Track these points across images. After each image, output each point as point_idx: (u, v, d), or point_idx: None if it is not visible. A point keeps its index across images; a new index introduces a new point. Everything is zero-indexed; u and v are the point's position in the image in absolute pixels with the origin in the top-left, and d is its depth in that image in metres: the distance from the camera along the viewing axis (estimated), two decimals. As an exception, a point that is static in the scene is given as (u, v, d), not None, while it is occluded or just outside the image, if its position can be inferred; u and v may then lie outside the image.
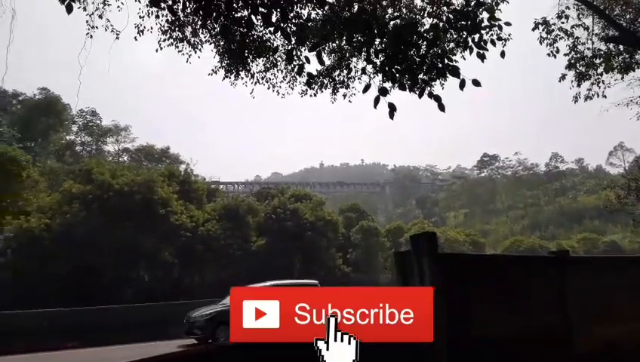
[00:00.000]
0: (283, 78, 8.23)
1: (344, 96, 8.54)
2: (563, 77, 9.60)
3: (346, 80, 8.38)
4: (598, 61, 8.82)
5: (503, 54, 4.11)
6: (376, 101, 3.58)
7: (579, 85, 9.47)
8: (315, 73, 8.21)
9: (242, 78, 8.14)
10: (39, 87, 50.75)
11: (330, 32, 8.15)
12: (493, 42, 3.50)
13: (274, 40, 7.53)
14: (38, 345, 15.38)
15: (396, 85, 9.31)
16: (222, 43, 7.74)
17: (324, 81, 8.39)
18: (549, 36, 8.35)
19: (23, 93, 51.58)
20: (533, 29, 8.50)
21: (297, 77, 8.17)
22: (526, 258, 7.93)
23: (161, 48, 7.56)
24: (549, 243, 48.73)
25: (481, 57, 3.54)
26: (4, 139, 33.45)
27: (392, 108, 3.64)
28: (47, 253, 24.24)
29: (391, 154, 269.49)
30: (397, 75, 3.67)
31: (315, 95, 8.48)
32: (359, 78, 8.46)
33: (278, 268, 29.72)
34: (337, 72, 8.31)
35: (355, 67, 8.51)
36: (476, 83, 3.41)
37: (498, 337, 4.13)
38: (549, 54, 8.49)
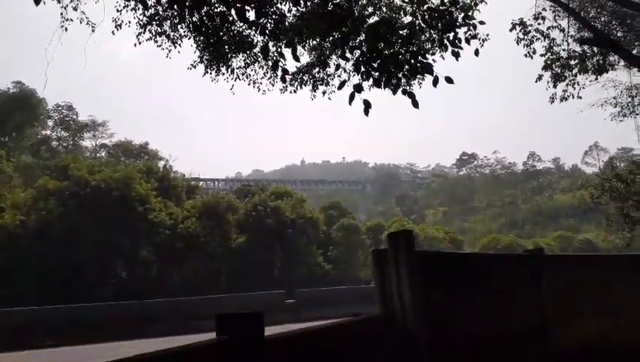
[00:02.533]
0: (264, 74, 8.20)
1: (323, 93, 8.54)
2: (539, 78, 9.74)
3: (325, 77, 8.37)
4: (573, 62, 8.97)
5: (477, 52, 4.15)
6: (351, 98, 3.60)
7: (555, 86, 9.64)
8: (294, 70, 8.18)
9: (223, 74, 8.07)
10: (13, 80, 49.63)
11: (306, 28, 8.15)
12: (467, 41, 3.54)
13: (254, 35, 7.48)
14: (12, 342, 15.05)
15: (371, 82, 9.39)
16: (201, 38, 7.66)
17: (304, 77, 8.37)
18: (525, 37, 8.46)
19: (-6, 87, 50.37)
20: (511, 30, 8.61)
21: (274, 73, 8.13)
22: (502, 256, 8.04)
23: (140, 43, 7.45)
24: (526, 241, 49.49)
25: (456, 55, 3.56)
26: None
27: (367, 105, 3.65)
28: (23, 250, 23.78)
29: (372, 152, 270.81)
30: (372, 72, 3.67)
31: (294, 91, 8.48)
32: (338, 76, 8.47)
33: (258, 265, 29.67)
34: (317, 69, 8.29)
35: (334, 64, 8.53)
36: (449, 80, 3.43)
37: (476, 335, 4.17)
38: (525, 55, 8.61)
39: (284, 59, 8.27)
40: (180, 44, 7.75)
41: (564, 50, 8.95)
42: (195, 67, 7.76)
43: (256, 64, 8.02)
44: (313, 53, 8.93)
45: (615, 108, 14.67)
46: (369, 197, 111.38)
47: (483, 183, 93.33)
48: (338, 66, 7.77)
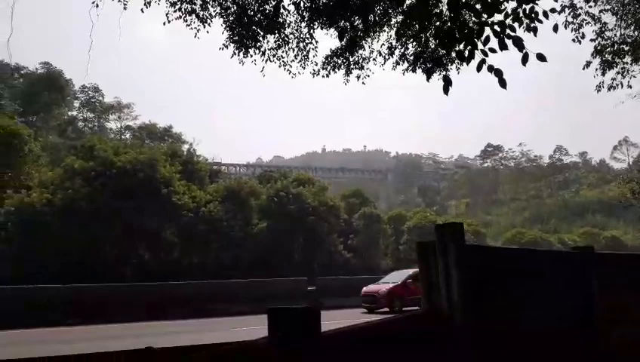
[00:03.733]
0: (294, 56, 7.92)
1: (358, 77, 8.25)
2: (588, 64, 9.24)
3: (360, 60, 8.08)
4: (626, 48, 8.47)
5: (555, 28, 3.73)
6: (430, 72, 3.28)
7: (603, 74, 9.15)
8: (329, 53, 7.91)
9: (251, 56, 7.84)
10: (41, 61, 50.32)
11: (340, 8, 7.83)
12: (546, 14, 3.19)
13: (286, 15, 7.21)
14: (37, 320, 15.26)
15: (405, 65, 9.02)
16: (231, 17, 7.42)
17: (337, 61, 8.09)
18: (575, 20, 7.98)
19: (25, 67, 51.07)
20: (560, 12, 8.07)
21: (308, 56, 7.85)
22: (551, 252, 7.71)
23: (169, 21, 7.23)
24: (551, 236, 48.61)
25: (534, 30, 3.22)
26: (6, 113, 33.12)
27: (447, 82, 3.33)
28: (48, 228, 24.11)
29: (394, 142, 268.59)
30: (453, 43, 3.34)
31: (327, 75, 8.19)
32: (374, 59, 8.17)
33: (279, 251, 29.66)
34: (351, 52, 8.01)
35: (369, 47, 8.22)
36: (541, 57, 3.11)
37: (523, 330, 3.94)
38: (574, 40, 8.11)
39: (316, 41, 8.04)
40: (209, 24, 7.53)
41: (615, 35, 8.49)
42: (227, 47, 7.52)
43: (287, 46, 7.76)
44: (345, 35, 8.64)
45: None
46: (390, 186, 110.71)
47: (507, 176, 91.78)
48: (390, 47, 7.47)
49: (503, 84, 3.22)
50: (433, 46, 8.44)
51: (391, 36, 7.98)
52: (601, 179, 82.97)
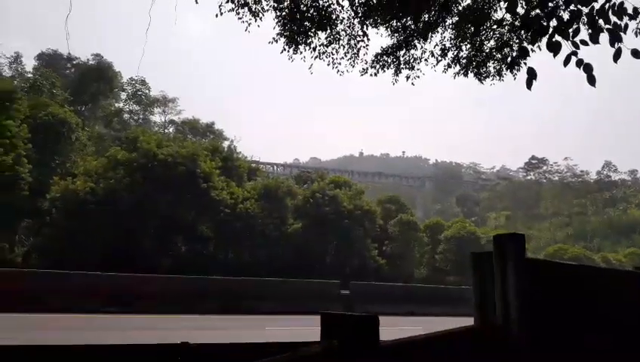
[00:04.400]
0: (344, 54, 7.75)
1: (407, 77, 8.00)
2: None
3: (410, 60, 7.83)
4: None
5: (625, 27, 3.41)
6: (514, 62, 3.02)
7: None
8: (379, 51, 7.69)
9: (301, 52, 7.71)
10: (93, 52, 51.94)
11: (392, 8, 7.61)
12: (636, 12, 2.88)
13: (339, 12, 7.04)
14: (75, 306, 15.54)
15: (457, 69, 8.67)
16: (283, 12, 7.31)
17: (387, 60, 7.86)
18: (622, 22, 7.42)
19: (77, 58, 52.84)
20: (632, 18, 7.52)
21: (356, 53, 7.66)
22: (613, 270, 7.26)
23: (222, 13, 7.17)
24: (595, 254, 46.71)
25: (618, 29, 2.91)
26: (57, 101, 34.28)
27: (532, 75, 3.06)
28: (91, 216, 24.75)
29: (433, 149, 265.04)
30: (543, 32, 3.05)
31: (375, 74, 7.99)
32: (425, 60, 7.91)
33: (312, 252, 29.56)
34: (402, 51, 7.76)
35: (422, 48, 7.96)
36: (636, 54, 2.81)
37: (581, 350, 3.63)
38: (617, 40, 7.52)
39: (368, 39, 7.84)
40: (261, 18, 7.45)
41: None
42: (276, 41, 7.41)
43: (337, 43, 7.59)
44: (396, 35, 8.40)
45: None
46: (428, 194, 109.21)
47: (551, 190, 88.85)
48: (444, 48, 7.22)
49: (592, 80, 2.92)
50: (487, 50, 8.14)
51: (444, 37, 7.71)
52: (652, 198, 79.33)
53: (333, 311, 1.71)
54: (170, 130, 52.18)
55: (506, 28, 7.33)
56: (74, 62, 52.50)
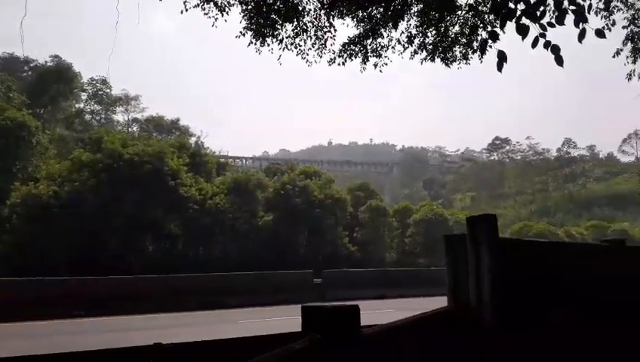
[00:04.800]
0: (312, 45, 7.79)
1: (375, 65, 8.10)
2: (618, 52, 9.03)
3: (377, 48, 7.93)
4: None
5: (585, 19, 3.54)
6: (483, 46, 3.08)
7: (634, 62, 8.95)
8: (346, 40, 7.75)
9: (268, 45, 7.70)
10: (51, 54, 50.20)
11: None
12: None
13: (305, 3, 7.05)
14: (43, 313, 15.16)
15: (424, 55, 8.81)
16: (251, 6, 7.28)
17: (354, 49, 7.94)
18: (606, 7, 7.72)
19: (34, 60, 51.10)
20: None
21: (326, 45, 7.70)
22: (581, 245, 7.55)
23: (187, 10, 7.11)
24: (558, 229, 48.33)
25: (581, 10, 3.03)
26: (15, 105, 33.10)
27: (502, 58, 3.13)
28: (55, 221, 24.11)
29: (400, 135, 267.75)
30: (511, 16, 3.11)
31: (343, 64, 8.05)
32: (392, 47, 8.01)
33: (284, 244, 29.59)
34: (369, 40, 7.84)
35: (387, 36, 8.05)
36: (600, 33, 2.92)
37: (552, 327, 3.79)
38: (603, 27, 7.83)
39: (335, 29, 7.88)
40: (227, 12, 7.40)
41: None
42: (243, 35, 7.38)
43: (305, 34, 7.62)
44: (362, 24, 8.47)
45: None
46: (395, 179, 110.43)
47: (514, 169, 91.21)
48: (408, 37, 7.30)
49: (559, 61, 3.02)
50: (453, 35, 8.28)
51: (410, 25, 7.82)
52: (609, 172, 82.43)
53: (314, 304, 1.76)
54: (134, 128, 51.12)
55: (470, 13, 7.47)
56: (31, 64, 50.72)
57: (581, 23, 2.99)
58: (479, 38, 7.69)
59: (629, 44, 8.68)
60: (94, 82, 52.15)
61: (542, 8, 2.99)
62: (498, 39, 3.06)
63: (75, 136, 40.15)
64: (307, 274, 21.32)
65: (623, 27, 8.40)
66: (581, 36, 2.99)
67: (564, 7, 2.95)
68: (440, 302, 3.64)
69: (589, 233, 47.76)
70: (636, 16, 8.20)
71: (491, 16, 7.34)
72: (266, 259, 26.43)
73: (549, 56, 3.17)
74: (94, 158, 26.48)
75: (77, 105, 51.09)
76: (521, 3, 3.02)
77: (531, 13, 2.95)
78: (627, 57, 9.06)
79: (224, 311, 16.33)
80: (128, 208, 25.46)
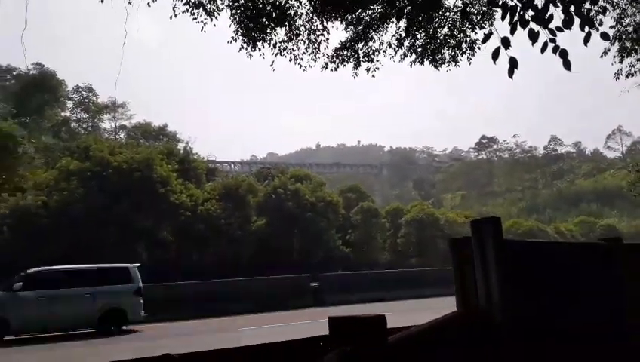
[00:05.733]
0: (305, 49, 7.75)
1: (367, 70, 8.10)
2: (606, 52, 9.18)
3: (369, 52, 7.93)
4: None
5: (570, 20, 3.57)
6: (496, 54, 3.08)
7: (621, 61, 9.10)
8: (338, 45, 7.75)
9: (259, 50, 7.67)
10: (34, 61, 49.53)
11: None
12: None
13: (297, 7, 7.04)
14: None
15: (413, 57, 8.86)
16: (239, 10, 7.25)
17: (347, 53, 7.93)
18: (592, 7, 7.81)
19: (16, 68, 50.40)
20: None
21: (319, 49, 7.69)
22: (580, 244, 7.59)
23: (176, 15, 7.04)
24: (547, 226, 48.73)
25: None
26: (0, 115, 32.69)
27: (513, 65, 3.13)
28: (45, 231, 23.81)
29: (388, 136, 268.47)
30: (523, 24, 3.12)
31: (336, 69, 8.04)
32: (384, 51, 8.02)
33: (278, 248, 29.50)
34: (361, 45, 7.85)
35: (378, 39, 8.06)
36: (605, 37, 2.95)
37: (557, 329, 3.81)
38: (589, 25, 7.90)
39: (328, 33, 7.87)
40: (216, 17, 7.36)
41: (635, 22, 8.38)
42: (235, 40, 7.33)
43: (297, 38, 7.58)
44: (351, 27, 8.47)
45: None
46: (385, 180, 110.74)
47: (502, 167, 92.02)
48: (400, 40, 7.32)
49: (567, 65, 3.04)
50: (441, 37, 8.32)
51: (400, 27, 7.83)
52: (595, 168, 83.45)
53: (341, 315, 1.75)
54: (122, 135, 50.67)
55: (458, 14, 7.51)
56: (14, 72, 50.04)
57: (586, 27, 3.01)
58: (468, 39, 7.74)
59: (617, 43, 8.83)
60: (80, 90, 51.68)
61: (549, 13, 3.01)
62: (510, 46, 3.07)
63: (62, 144, 39.68)
64: (304, 278, 21.31)
65: (611, 27, 8.54)
66: (586, 40, 3.01)
67: (570, 11, 2.98)
68: (437, 303, 3.66)
69: (577, 229, 48.25)
70: (622, 15, 8.33)
71: (478, 17, 7.40)
72: (260, 263, 26.34)
73: (533, 55, 3.20)
74: (82, 167, 26.20)
75: (63, 114, 50.55)
76: (530, 10, 3.04)
77: (540, 18, 2.97)
78: (614, 57, 9.21)
79: (224, 319, 16.23)
80: (119, 216, 25.22)
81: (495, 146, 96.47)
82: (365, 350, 1.61)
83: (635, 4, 7.88)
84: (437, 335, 2.65)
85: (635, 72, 9.14)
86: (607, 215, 60.20)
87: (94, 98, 52.28)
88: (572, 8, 2.97)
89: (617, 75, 9.38)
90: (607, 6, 7.73)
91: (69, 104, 51.74)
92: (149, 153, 28.52)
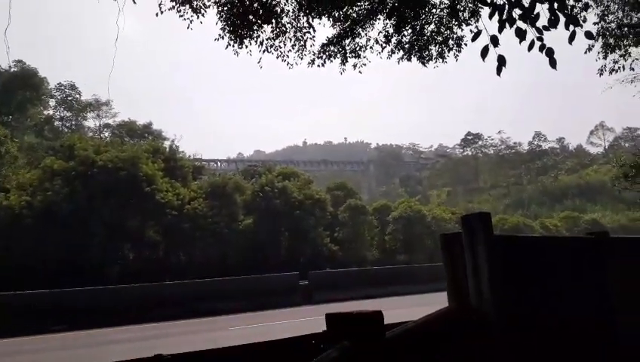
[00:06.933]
0: (292, 46, 7.72)
1: (354, 66, 8.10)
2: (590, 48, 9.29)
3: (356, 49, 7.93)
4: (626, 31, 8.48)
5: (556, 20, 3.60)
6: (485, 52, 3.09)
7: (605, 57, 9.20)
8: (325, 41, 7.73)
9: (247, 47, 7.62)
10: (14, 59, 48.68)
11: None
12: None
13: (284, 4, 7.01)
14: (21, 328, 14.74)
15: (401, 54, 8.87)
16: (225, 7, 7.20)
17: (334, 49, 7.92)
18: (576, 4, 7.89)
19: (-5, 66, 49.43)
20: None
21: (306, 46, 7.67)
22: (569, 239, 7.69)
23: (162, 12, 6.96)
24: (533, 221, 49.22)
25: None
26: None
27: (501, 63, 3.16)
28: (29, 231, 23.46)
29: (374, 133, 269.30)
30: (511, 23, 3.14)
31: (322, 65, 8.03)
32: (371, 47, 8.03)
33: (265, 246, 29.42)
34: (347, 41, 7.84)
35: (365, 35, 8.07)
36: (589, 35, 2.98)
37: (546, 323, 3.86)
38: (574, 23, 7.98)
39: (314, 30, 7.85)
40: (202, 14, 7.30)
41: (618, 18, 8.49)
42: (222, 37, 7.28)
43: (284, 35, 7.55)
44: (338, 24, 8.46)
45: None
46: (372, 177, 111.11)
47: (487, 163, 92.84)
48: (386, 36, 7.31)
49: (553, 64, 3.07)
50: (428, 34, 8.35)
51: (387, 24, 7.85)
52: (578, 163, 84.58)
53: (338, 312, 1.74)
54: (106, 134, 50.11)
55: (445, 11, 7.54)
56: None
57: (571, 25, 3.04)
58: (455, 35, 7.78)
59: (600, 39, 8.94)
60: (63, 87, 50.96)
61: (536, 12, 3.04)
62: (499, 44, 3.09)
63: (46, 143, 39.13)
64: (293, 276, 21.28)
65: (594, 23, 8.66)
66: (571, 38, 3.05)
67: (556, 10, 3.01)
68: (427, 299, 3.68)
69: (562, 224, 48.78)
70: (606, 12, 8.44)
71: (465, 15, 7.43)
72: (248, 262, 26.26)
73: (518, 52, 3.23)
74: (67, 166, 25.85)
75: (46, 112, 49.80)
76: (518, 8, 3.06)
77: (527, 16, 3.00)
78: (598, 53, 9.33)
79: (213, 319, 16.15)
80: (105, 216, 24.96)
81: (480, 142, 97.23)
82: (364, 345, 1.61)
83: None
84: (432, 329, 2.66)
85: (619, 68, 9.26)
86: (590, 210, 61.02)
87: (77, 96, 51.59)
88: (556, 5, 3.00)
89: (601, 71, 9.51)
90: (591, 2, 7.83)
91: (52, 102, 51.03)
92: (135, 151, 28.21)
